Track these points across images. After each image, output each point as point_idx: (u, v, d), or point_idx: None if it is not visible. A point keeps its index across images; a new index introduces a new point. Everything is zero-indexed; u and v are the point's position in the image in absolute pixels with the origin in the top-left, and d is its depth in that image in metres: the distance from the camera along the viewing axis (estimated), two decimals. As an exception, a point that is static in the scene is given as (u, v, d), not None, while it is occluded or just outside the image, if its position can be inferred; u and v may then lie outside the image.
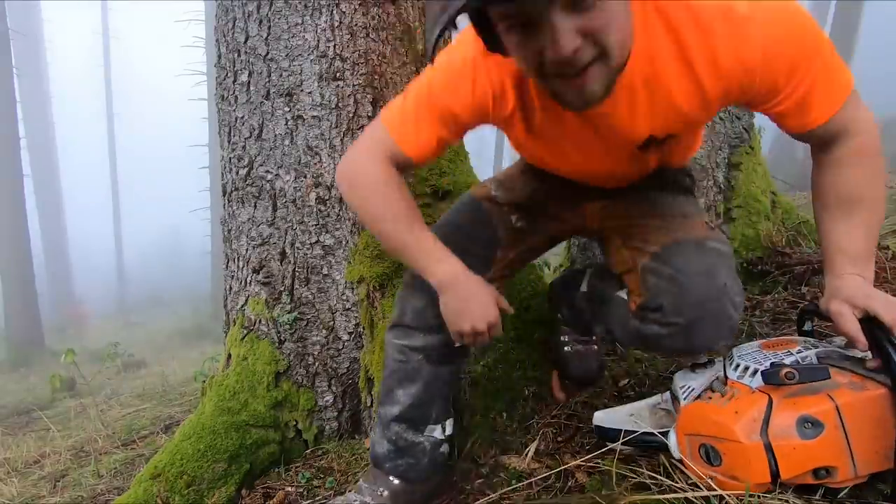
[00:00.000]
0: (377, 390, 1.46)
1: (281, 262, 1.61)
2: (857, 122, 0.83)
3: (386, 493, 1.13)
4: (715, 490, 0.84)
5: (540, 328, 1.49)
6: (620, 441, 1.05)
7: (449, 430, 1.18)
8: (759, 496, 0.80)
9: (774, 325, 1.54)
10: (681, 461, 0.95)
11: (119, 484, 1.82)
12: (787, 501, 0.79)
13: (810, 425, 0.78)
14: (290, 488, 1.40)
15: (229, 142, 1.67)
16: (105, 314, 15.70)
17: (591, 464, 1.10)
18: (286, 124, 1.56)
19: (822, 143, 0.87)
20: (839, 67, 0.81)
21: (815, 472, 0.79)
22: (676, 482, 0.91)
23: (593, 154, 0.94)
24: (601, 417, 1.14)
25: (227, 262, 1.74)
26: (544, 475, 1.14)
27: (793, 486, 0.81)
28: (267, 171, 1.59)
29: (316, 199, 1.57)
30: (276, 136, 1.57)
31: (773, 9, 0.75)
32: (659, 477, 0.95)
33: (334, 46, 1.54)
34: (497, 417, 1.36)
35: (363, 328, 1.57)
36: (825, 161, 0.88)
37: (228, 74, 1.64)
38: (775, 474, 0.79)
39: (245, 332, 1.63)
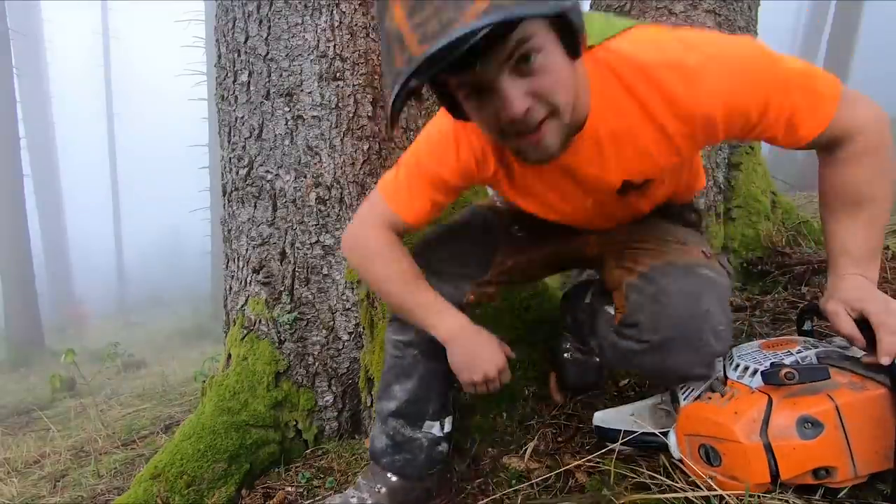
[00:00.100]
0: (377, 390, 1.46)
1: (281, 262, 1.61)
2: (855, 121, 0.82)
3: (384, 489, 1.13)
4: (715, 490, 0.84)
5: (540, 328, 1.49)
6: (620, 441, 1.05)
7: (448, 428, 1.18)
8: (758, 496, 0.80)
9: (774, 325, 1.54)
10: (681, 461, 0.95)
11: (119, 484, 1.82)
12: (786, 501, 0.79)
13: (810, 425, 0.78)
14: (290, 488, 1.40)
15: (229, 142, 1.67)
16: (105, 314, 15.70)
17: (591, 464, 1.10)
18: (286, 124, 1.56)
19: (822, 147, 0.87)
20: (819, 81, 0.80)
21: (815, 473, 0.79)
22: (676, 482, 0.91)
23: (577, 202, 0.98)
24: (601, 417, 1.14)
25: (227, 262, 1.74)
26: (544, 475, 1.14)
27: (792, 486, 0.81)
28: (267, 171, 1.59)
29: (316, 199, 1.57)
30: (276, 136, 1.57)
31: (724, 59, 0.77)
32: (659, 477, 0.95)
33: (334, 46, 1.54)
34: (497, 417, 1.36)
35: (363, 328, 1.57)
36: (827, 161, 0.88)
37: (228, 74, 1.64)
38: (775, 474, 0.79)
39: (245, 332, 1.63)
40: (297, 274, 1.60)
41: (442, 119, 0.95)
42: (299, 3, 1.52)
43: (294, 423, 1.58)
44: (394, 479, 1.14)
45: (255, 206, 1.62)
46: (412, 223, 0.99)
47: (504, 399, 1.38)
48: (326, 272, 1.59)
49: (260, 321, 1.62)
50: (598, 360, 1.37)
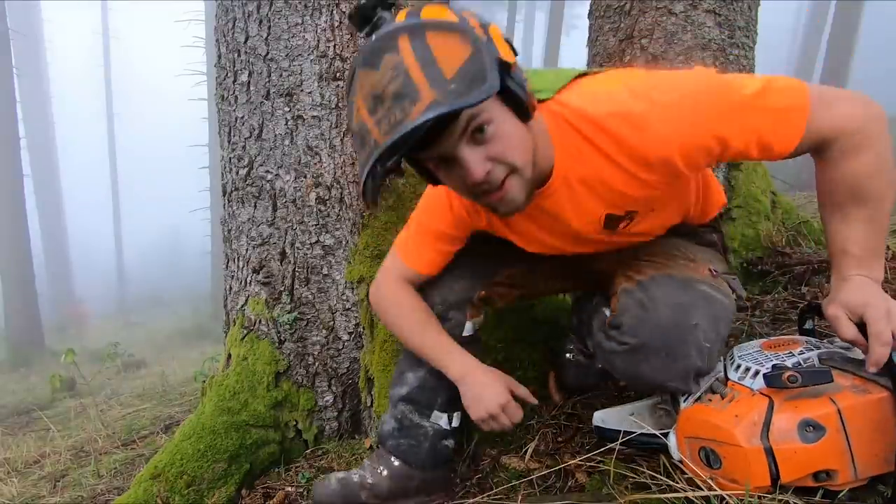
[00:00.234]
0: (377, 390, 1.46)
1: (281, 262, 1.61)
2: (834, 123, 0.81)
3: (385, 472, 1.15)
4: (715, 490, 0.83)
5: (540, 328, 1.49)
6: (619, 441, 1.05)
7: (455, 424, 1.19)
8: (758, 496, 0.80)
9: (774, 325, 1.54)
10: (680, 462, 0.95)
11: (119, 484, 1.82)
12: (786, 502, 0.79)
13: (812, 429, 0.78)
14: (290, 488, 1.40)
15: (229, 142, 1.67)
16: (105, 314, 15.71)
17: (591, 463, 1.10)
18: (286, 124, 1.56)
19: (812, 151, 0.86)
20: (779, 96, 0.80)
21: (816, 475, 0.79)
22: (676, 482, 0.91)
23: (566, 238, 1.02)
24: (601, 417, 1.14)
25: (227, 262, 1.74)
26: (544, 475, 1.14)
27: (792, 487, 0.81)
28: (267, 171, 1.59)
29: (316, 199, 1.57)
30: (276, 136, 1.57)
31: (670, 104, 0.80)
32: (659, 477, 0.95)
33: (334, 46, 1.54)
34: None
35: (363, 328, 1.57)
36: (820, 163, 0.87)
37: (228, 74, 1.64)
38: (775, 477, 0.79)
39: (245, 332, 1.63)
40: (297, 274, 1.60)
41: None
42: (299, 3, 1.52)
43: (294, 423, 1.58)
44: (396, 462, 1.16)
45: (255, 206, 1.62)
46: (425, 273, 1.12)
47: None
48: (326, 272, 1.59)
49: (260, 321, 1.62)
50: (600, 365, 1.37)
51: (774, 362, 0.87)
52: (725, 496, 0.81)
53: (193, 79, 12.35)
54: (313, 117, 1.55)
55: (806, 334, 1.02)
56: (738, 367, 0.92)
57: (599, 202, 0.93)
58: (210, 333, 9.34)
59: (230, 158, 1.67)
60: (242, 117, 1.61)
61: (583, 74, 0.91)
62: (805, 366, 0.85)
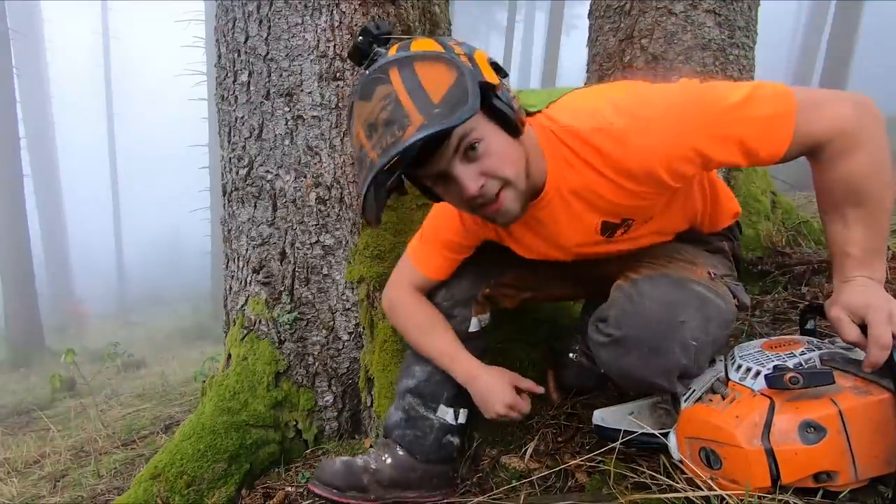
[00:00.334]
0: (377, 390, 1.46)
1: (281, 262, 1.61)
2: (822, 125, 0.81)
3: (389, 460, 1.17)
4: (715, 490, 0.83)
5: (540, 328, 1.49)
6: (620, 441, 1.05)
7: (461, 420, 1.20)
8: (758, 497, 0.80)
9: (774, 325, 1.54)
10: (681, 462, 0.95)
11: (119, 484, 1.82)
12: (786, 502, 0.79)
13: (812, 430, 0.78)
14: (290, 488, 1.40)
15: (229, 142, 1.67)
16: (105, 313, 15.71)
17: (591, 464, 1.10)
18: (286, 124, 1.56)
19: (806, 155, 0.86)
20: (762, 104, 0.81)
21: (816, 476, 0.79)
22: (676, 482, 0.91)
23: (566, 246, 1.05)
24: (601, 417, 1.13)
25: (227, 262, 1.74)
26: (544, 475, 1.14)
27: (792, 488, 0.81)
28: (267, 171, 1.59)
29: (316, 199, 1.57)
30: (276, 136, 1.57)
31: (650, 119, 0.84)
32: (659, 477, 0.94)
33: (334, 46, 1.54)
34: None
35: (363, 328, 1.57)
36: (815, 166, 0.87)
37: (228, 74, 1.64)
38: (776, 478, 0.79)
39: (245, 332, 1.63)
40: (297, 274, 1.60)
41: None
42: (299, 3, 1.52)
43: (294, 423, 1.58)
44: (401, 452, 1.17)
45: (255, 206, 1.62)
46: (433, 277, 1.17)
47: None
48: (326, 272, 1.59)
49: (260, 321, 1.62)
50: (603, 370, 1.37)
51: (776, 363, 0.87)
52: (726, 496, 0.81)
53: (193, 79, 12.36)
54: (313, 117, 1.55)
55: (807, 334, 1.02)
56: (739, 367, 0.91)
57: (593, 211, 0.96)
58: (210, 333, 9.34)
59: (230, 158, 1.67)
60: (242, 117, 1.61)
61: (570, 91, 0.97)
62: (806, 367, 0.84)
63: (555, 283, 1.24)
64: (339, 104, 1.55)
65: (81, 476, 1.99)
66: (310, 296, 1.60)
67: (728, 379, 0.92)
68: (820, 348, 0.88)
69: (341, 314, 1.60)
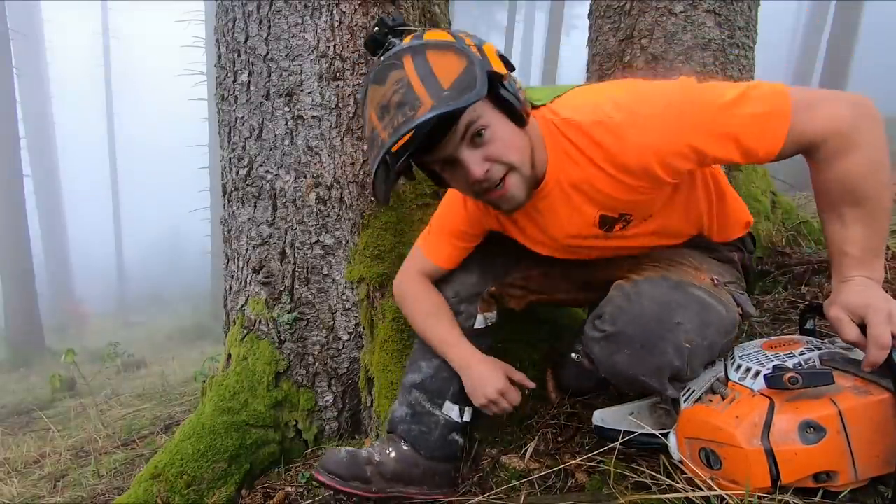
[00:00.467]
0: (377, 390, 1.46)
1: (281, 262, 1.61)
2: (817, 125, 0.81)
3: (393, 454, 1.17)
4: (715, 490, 0.83)
5: (540, 328, 1.49)
6: (620, 441, 1.05)
7: (466, 418, 1.21)
8: (758, 497, 0.80)
9: (774, 325, 1.54)
10: (681, 462, 0.94)
11: (119, 484, 1.82)
12: (786, 502, 0.79)
13: (812, 430, 0.78)
14: (290, 488, 1.40)
15: (229, 142, 1.67)
16: (105, 313, 15.71)
17: (591, 464, 1.10)
18: (286, 124, 1.56)
19: (803, 154, 0.86)
20: (758, 103, 0.82)
21: (816, 476, 0.79)
22: (677, 482, 0.91)
23: (566, 239, 1.06)
24: (601, 417, 1.13)
25: (227, 262, 1.74)
26: (544, 475, 1.14)
27: (792, 488, 0.81)
28: (267, 171, 1.59)
29: (316, 199, 1.57)
30: (276, 136, 1.57)
31: (647, 114, 0.87)
32: (659, 477, 0.94)
33: (334, 46, 1.54)
34: (498, 417, 1.35)
35: (363, 328, 1.57)
36: (812, 165, 0.87)
37: (228, 74, 1.64)
38: (776, 479, 0.79)
39: (245, 332, 1.63)
40: (297, 274, 1.60)
41: None
42: (299, 3, 1.52)
43: (294, 423, 1.58)
44: (405, 447, 1.18)
45: (255, 206, 1.62)
46: (442, 266, 1.20)
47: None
48: (326, 272, 1.59)
49: (260, 321, 1.62)
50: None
51: (775, 363, 0.87)
52: (726, 497, 0.81)
53: (193, 79, 12.36)
54: (313, 117, 1.55)
55: (807, 334, 1.02)
56: (739, 367, 0.91)
57: (591, 204, 0.98)
58: (210, 333, 9.34)
59: (230, 158, 1.67)
60: (242, 117, 1.61)
61: (574, 87, 1.00)
62: (806, 367, 0.84)
63: (563, 286, 1.25)
64: (339, 104, 1.55)
65: (81, 476, 2.00)
66: (310, 296, 1.60)
67: (728, 379, 0.92)
68: (819, 348, 0.88)
69: (341, 314, 1.60)
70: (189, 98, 12.86)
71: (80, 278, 18.54)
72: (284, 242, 1.59)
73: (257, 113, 1.58)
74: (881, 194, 0.83)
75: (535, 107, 0.96)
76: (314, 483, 1.40)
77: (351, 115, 1.56)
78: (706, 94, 0.86)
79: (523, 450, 1.26)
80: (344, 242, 1.58)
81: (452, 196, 1.18)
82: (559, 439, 1.27)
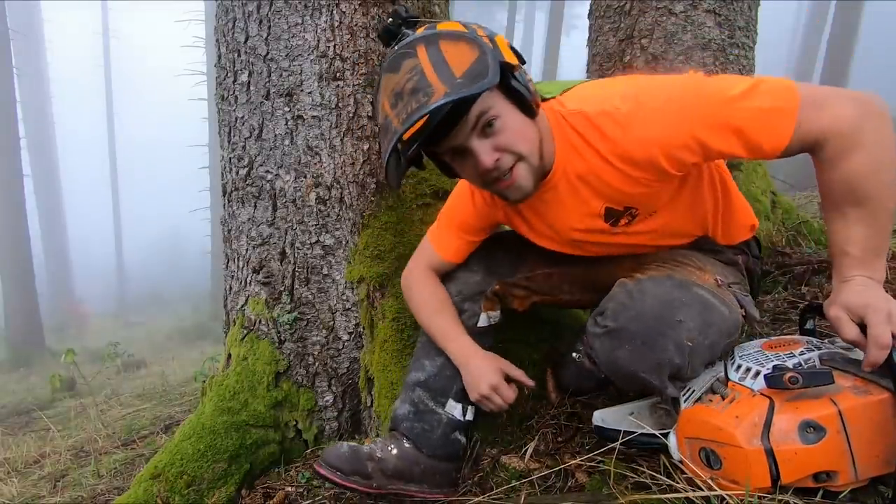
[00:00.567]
0: (377, 390, 1.46)
1: (281, 262, 1.61)
2: (823, 124, 0.81)
3: (395, 451, 1.17)
4: (715, 490, 0.83)
5: (540, 328, 1.49)
6: (620, 441, 1.05)
7: (469, 416, 1.21)
8: (758, 497, 0.80)
9: (774, 325, 1.54)
10: (681, 462, 0.95)
11: (119, 484, 1.82)
12: (786, 502, 0.79)
13: (812, 430, 0.78)
14: (290, 488, 1.40)
15: (229, 142, 1.67)
16: (105, 313, 15.71)
17: (591, 464, 1.10)
18: (286, 124, 1.56)
19: (808, 152, 0.86)
20: (765, 98, 0.82)
21: (816, 476, 0.79)
22: (677, 482, 0.91)
23: (572, 231, 1.07)
24: (601, 417, 1.13)
25: (227, 262, 1.74)
26: (544, 475, 1.14)
27: (792, 488, 0.81)
28: (267, 171, 1.59)
29: (316, 199, 1.57)
30: (276, 136, 1.57)
31: (654, 107, 0.88)
32: (659, 477, 0.94)
33: (334, 46, 1.54)
34: (497, 417, 1.35)
35: (363, 328, 1.57)
36: (817, 164, 0.87)
37: (228, 74, 1.64)
38: (776, 478, 0.79)
39: (245, 332, 1.63)
40: (297, 274, 1.60)
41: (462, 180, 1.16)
42: (299, 3, 1.52)
43: (294, 423, 1.58)
44: (407, 444, 1.18)
45: (255, 206, 1.62)
46: (449, 259, 1.22)
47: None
48: (326, 272, 1.59)
49: (260, 321, 1.62)
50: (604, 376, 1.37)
51: (775, 363, 0.87)
52: (726, 497, 0.81)
53: (193, 79, 12.37)
54: (313, 117, 1.55)
55: (807, 334, 1.02)
56: (739, 367, 0.91)
57: (597, 196, 0.99)
58: (210, 333, 9.34)
59: (230, 158, 1.67)
60: (242, 117, 1.61)
61: (583, 81, 1.03)
62: (806, 366, 0.84)
63: (566, 287, 1.25)
64: (339, 104, 1.55)
65: (81, 476, 2.00)
66: (310, 296, 1.60)
67: (728, 379, 0.92)
68: (819, 348, 0.88)
69: (341, 314, 1.60)
70: (189, 98, 12.86)
71: (80, 278, 18.54)
72: (284, 242, 1.60)
73: (257, 113, 1.58)
74: (884, 195, 0.83)
75: (544, 99, 0.98)
76: (314, 482, 1.41)
77: (351, 115, 1.56)
78: (713, 86, 0.87)
79: (523, 450, 1.26)
80: (344, 242, 1.58)
81: (461, 189, 1.19)
82: (559, 439, 1.27)
